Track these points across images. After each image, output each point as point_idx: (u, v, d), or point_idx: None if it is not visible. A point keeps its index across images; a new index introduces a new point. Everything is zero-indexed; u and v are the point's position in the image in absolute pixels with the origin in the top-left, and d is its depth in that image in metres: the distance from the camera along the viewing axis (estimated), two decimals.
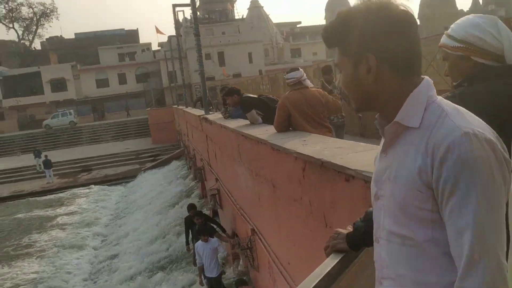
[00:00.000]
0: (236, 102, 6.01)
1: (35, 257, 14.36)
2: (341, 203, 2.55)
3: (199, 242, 7.56)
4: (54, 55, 57.97)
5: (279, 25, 65.05)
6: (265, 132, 4.63)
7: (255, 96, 6.01)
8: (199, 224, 7.84)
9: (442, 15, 52.87)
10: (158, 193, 19.02)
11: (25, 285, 12.12)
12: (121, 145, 34.94)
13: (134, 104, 50.14)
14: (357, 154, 2.66)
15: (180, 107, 25.91)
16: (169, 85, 43.34)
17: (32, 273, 13.00)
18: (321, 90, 4.72)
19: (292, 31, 70.22)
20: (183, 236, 12.18)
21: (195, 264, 8.33)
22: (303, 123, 4.45)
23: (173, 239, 12.38)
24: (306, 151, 3.03)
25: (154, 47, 59.89)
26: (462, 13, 54.52)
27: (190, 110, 17.80)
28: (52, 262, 13.69)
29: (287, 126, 4.50)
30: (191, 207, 8.63)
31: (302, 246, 3.61)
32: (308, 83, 4.64)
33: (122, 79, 52.16)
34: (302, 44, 61.77)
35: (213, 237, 7.55)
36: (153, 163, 27.30)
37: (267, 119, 5.65)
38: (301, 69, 4.70)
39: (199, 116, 11.22)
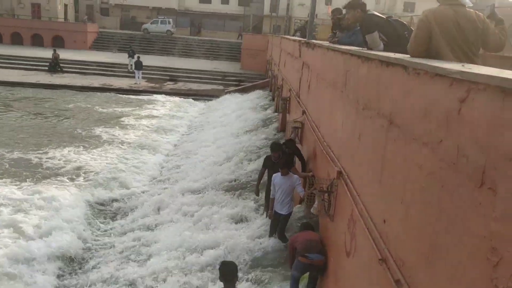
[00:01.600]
0: (357, 19, 4.93)
1: (109, 147, 14.74)
2: None
3: (278, 174, 6.85)
4: None
5: None
6: (391, 55, 3.60)
7: (383, 15, 4.89)
8: (275, 158, 7.09)
9: None
10: (236, 117, 18.62)
11: (96, 172, 12.40)
12: (210, 64, 34.84)
13: (231, 26, 49.59)
14: None
15: (277, 35, 24.81)
16: (270, 14, 41.94)
17: (107, 161, 13.34)
18: (482, 14, 3.53)
19: None
20: (252, 164, 11.79)
21: (257, 193, 7.75)
22: (446, 51, 3.37)
23: (240, 166, 11.93)
24: (480, 71, 2.03)
25: None
26: None
27: (289, 37, 16.72)
28: (124, 156, 13.95)
29: (426, 51, 3.44)
30: (274, 146, 7.61)
31: (416, 206, 2.70)
32: (467, 0, 3.47)
33: None
34: None
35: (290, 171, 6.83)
36: (237, 88, 26.89)
37: (391, 48, 4.57)
38: None
39: (299, 40, 10.19)
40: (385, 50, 4.61)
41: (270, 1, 43.21)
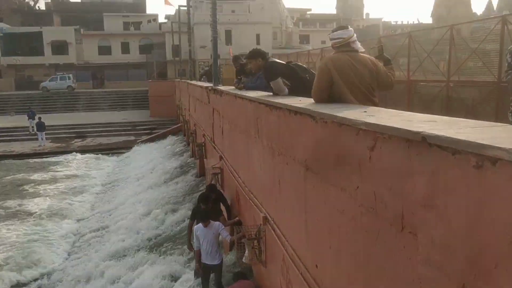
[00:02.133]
0: (259, 67, 5.07)
1: (18, 221, 13.51)
2: (455, 201, 1.67)
3: (200, 225, 6.69)
4: (58, 17, 56.40)
5: (289, 10, 63.50)
6: (299, 102, 3.73)
7: (282, 62, 5.08)
8: (204, 209, 6.91)
9: (456, 15, 51.79)
10: (152, 167, 18.16)
11: (5, 249, 11.28)
12: (118, 115, 33.95)
13: (135, 75, 49.01)
14: (465, 130, 1.79)
15: (183, 80, 24.90)
16: (173, 58, 42.12)
17: (15, 237, 12.18)
18: (373, 57, 3.80)
19: (302, 17, 68.84)
20: (176, 214, 11.46)
21: (190, 248, 7.48)
22: (347, 94, 3.55)
23: (165, 217, 11.55)
24: (383, 122, 2.14)
25: (161, 19, 58.59)
26: (475, 16, 53.58)
27: (196, 82, 16.84)
28: (36, 228, 12.87)
29: (328, 95, 3.60)
30: (204, 198, 7.27)
31: (345, 251, 2.75)
32: (359, 46, 3.72)
33: (125, 49, 50.92)
34: (311, 30, 60.39)
35: (215, 221, 6.70)
36: (149, 136, 26.40)
37: (295, 91, 4.74)
38: (351, 28, 3.77)
39: (206, 87, 10.28)
40: (290, 93, 4.78)
41: (171, 47, 43.42)
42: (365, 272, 2.48)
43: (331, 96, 3.60)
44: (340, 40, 3.71)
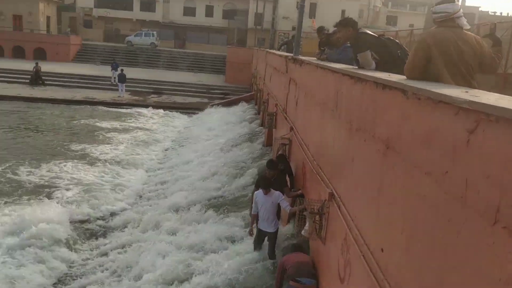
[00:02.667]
0: (348, 37, 4.82)
1: (89, 164, 14.34)
2: None
3: (260, 191, 6.69)
4: None
5: None
6: (388, 76, 3.49)
7: (374, 34, 4.80)
8: (272, 176, 6.89)
9: None
10: (221, 130, 18.46)
11: (77, 189, 12.06)
12: (195, 77, 34.71)
13: (215, 39, 49.64)
14: None
15: (262, 49, 24.81)
16: (254, 27, 42.10)
17: (88, 178, 12.97)
18: (478, 37, 3.45)
19: None
20: (239, 180, 11.58)
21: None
22: (445, 74, 3.26)
23: (226, 181, 11.72)
24: (491, 102, 1.90)
25: None
26: None
27: (275, 51, 16.68)
28: (106, 172, 13.61)
29: (421, 74, 3.33)
30: (272, 164, 7.21)
31: (419, 238, 2.56)
32: (464, 22, 3.38)
33: (209, 12, 51.53)
34: (400, 12, 57.54)
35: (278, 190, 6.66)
36: (222, 101, 26.77)
37: (383, 67, 4.47)
38: (457, 2, 3.44)
39: (286, 56, 10.10)
40: (377, 69, 4.51)
41: (254, 15, 43.36)
42: (439, 264, 2.30)
43: (425, 75, 3.33)
44: (445, 14, 3.39)
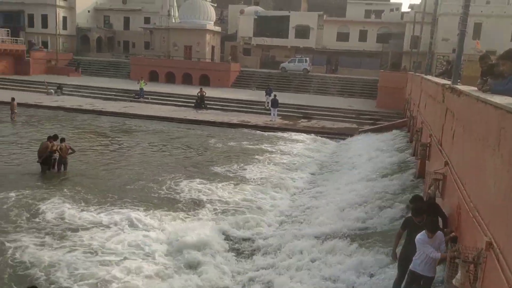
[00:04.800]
0: None
1: (236, 184, 15.21)
2: None
3: (423, 232, 6.11)
4: (305, 3, 60.11)
5: None
6: None
7: None
8: (419, 221, 6.42)
9: None
10: (369, 158, 17.95)
11: (227, 207, 12.88)
12: (344, 101, 34.63)
13: (368, 63, 48.99)
14: None
15: (417, 74, 23.64)
16: (410, 50, 40.42)
17: (237, 197, 13.77)
18: None
19: None
20: (386, 212, 11.05)
21: (394, 257, 7.07)
22: None
23: (373, 211, 11.29)
24: None
25: (404, 8, 56.70)
26: None
27: (431, 77, 15.74)
28: (253, 192, 14.27)
29: None
30: (416, 211, 6.62)
31: None
32: None
33: (363, 36, 51.23)
34: None
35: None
36: (372, 127, 26.13)
37: None
38: None
39: (442, 85, 9.45)
40: None
41: (410, 38, 41.66)
42: None
43: None
44: None
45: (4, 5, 55.56)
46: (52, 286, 8.26)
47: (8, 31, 46.24)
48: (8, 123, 24.72)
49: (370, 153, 18.75)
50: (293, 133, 25.39)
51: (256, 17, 53.46)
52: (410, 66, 38.15)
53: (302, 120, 29.60)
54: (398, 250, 6.99)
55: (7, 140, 20.33)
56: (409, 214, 7.22)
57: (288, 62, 46.32)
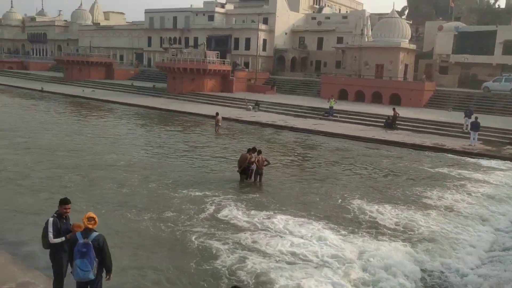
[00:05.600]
0: None
1: (433, 210, 14.21)
2: None
3: None
4: None
5: None
6: None
7: None
8: None
9: None
10: None
11: (418, 236, 12.17)
12: None
13: None
14: None
15: None
16: None
17: (429, 225, 12.89)
18: None
19: None
20: None
21: None
22: None
23: None
24: None
25: None
26: None
27: None
28: (449, 223, 13.15)
29: None
30: None
31: None
32: None
33: None
34: None
35: None
36: None
37: None
38: None
39: None
40: None
41: None
42: None
43: None
44: None
45: (217, 31, 63.59)
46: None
47: (217, 53, 52.48)
48: (212, 135, 28.04)
49: None
50: (496, 160, 22.65)
51: (456, 33, 49.70)
52: None
53: (508, 146, 26.18)
54: None
55: (212, 150, 23.08)
56: None
57: (493, 81, 41.68)
